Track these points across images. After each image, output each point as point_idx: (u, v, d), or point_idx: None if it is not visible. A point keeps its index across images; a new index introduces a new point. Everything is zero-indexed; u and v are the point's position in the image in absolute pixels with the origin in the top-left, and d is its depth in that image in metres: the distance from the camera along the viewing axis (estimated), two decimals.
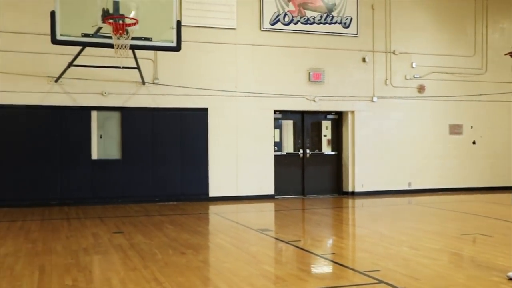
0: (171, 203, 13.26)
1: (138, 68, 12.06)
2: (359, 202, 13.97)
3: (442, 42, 15.96)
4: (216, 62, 13.97)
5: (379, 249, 7.56)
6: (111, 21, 9.46)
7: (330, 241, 8.51)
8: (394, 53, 15.46)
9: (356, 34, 15.11)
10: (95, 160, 13.11)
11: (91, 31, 9.78)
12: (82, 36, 9.74)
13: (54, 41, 9.57)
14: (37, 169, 12.59)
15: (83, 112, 13.00)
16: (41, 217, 10.89)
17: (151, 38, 10.11)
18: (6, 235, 8.81)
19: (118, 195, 13.18)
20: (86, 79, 12.83)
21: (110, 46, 9.75)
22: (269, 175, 14.36)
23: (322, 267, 6.73)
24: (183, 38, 13.32)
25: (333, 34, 14.93)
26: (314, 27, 14.76)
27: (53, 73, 12.51)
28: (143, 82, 13.17)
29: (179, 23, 10.23)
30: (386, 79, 15.40)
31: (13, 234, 8.88)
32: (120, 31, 9.51)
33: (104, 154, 13.23)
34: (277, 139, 14.99)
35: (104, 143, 13.25)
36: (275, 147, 14.75)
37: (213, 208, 12.53)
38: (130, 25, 9.65)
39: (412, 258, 6.92)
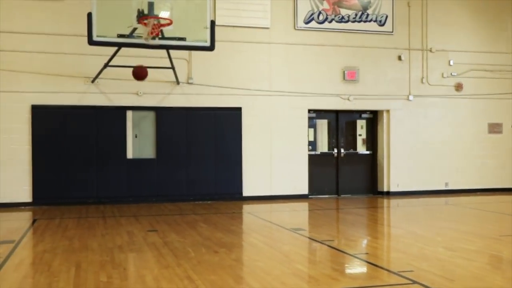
0: (205, 202, 13.34)
1: (172, 68, 12.16)
2: (394, 202, 13.79)
3: (481, 39, 15.64)
4: (250, 62, 13.99)
5: (413, 250, 7.44)
6: (146, 21, 9.55)
7: (364, 241, 8.42)
8: (430, 50, 15.20)
9: (392, 32, 14.92)
10: (130, 160, 13.28)
11: (127, 32, 9.90)
12: (118, 36, 9.85)
13: (91, 42, 9.71)
14: (74, 168, 12.82)
15: (119, 112, 13.17)
16: (78, 215, 11.08)
17: (185, 38, 10.15)
18: (45, 232, 9.00)
19: (153, 194, 13.32)
20: (121, 79, 13.00)
21: (145, 46, 9.86)
22: (303, 175, 14.31)
23: (355, 267, 6.66)
24: (217, 37, 13.41)
25: (368, 32, 14.78)
26: (349, 25, 14.63)
27: (90, 73, 12.72)
28: (178, 82, 13.27)
29: (213, 23, 10.26)
30: (422, 77, 15.17)
31: (51, 232, 9.06)
32: (155, 32, 9.60)
33: (139, 154, 13.39)
34: (312, 139, 14.92)
35: (139, 143, 13.40)
36: (309, 147, 14.68)
37: (247, 208, 12.55)
38: (164, 25, 9.74)
39: (447, 259, 6.79)
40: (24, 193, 12.58)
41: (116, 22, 9.90)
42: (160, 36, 9.70)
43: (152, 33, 9.54)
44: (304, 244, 8.02)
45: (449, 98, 15.38)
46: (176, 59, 12.83)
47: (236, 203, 13.26)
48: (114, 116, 13.15)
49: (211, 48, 10.36)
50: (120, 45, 10.16)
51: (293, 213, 12.16)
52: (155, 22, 9.60)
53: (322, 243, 7.92)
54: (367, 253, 7.30)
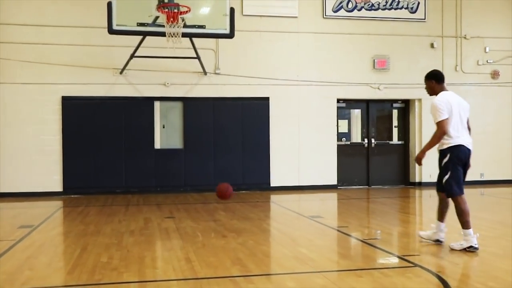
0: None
1: (198, 58, 12.17)
2: (425, 192, 13.43)
3: None
4: (278, 51, 13.88)
5: None
6: (165, 9, 9.60)
7: (378, 228, 8.22)
8: (465, 37, 14.74)
9: (424, 19, 14.53)
10: (158, 150, 13.40)
11: (147, 21, 9.98)
12: (138, 25, 9.95)
13: (111, 31, 9.84)
14: (103, 159, 13.03)
15: (147, 103, 13.32)
16: (103, 203, 11.26)
17: (204, 25, 10.16)
18: (65, 219, 9.21)
19: (180, 183, 13.41)
20: (149, 70, 13.13)
21: (165, 35, 9.90)
22: (332, 165, 14.12)
23: (359, 251, 6.52)
24: (244, 27, 13.55)
25: (399, 19, 14.43)
26: (379, 13, 14.33)
27: (119, 65, 12.88)
28: (205, 72, 13.30)
29: (232, 10, 10.20)
30: (456, 65, 14.72)
31: (71, 218, 9.25)
32: (173, 19, 9.64)
33: (166, 144, 13.50)
34: (346, 130, 14.73)
35: (166, 133, 13.52)
36: (343, 138, 14.49)
37: (273, 197, 12.47)
38: (183, 13, 9.76)
39: None
40: (55, 183, 12.87)
41: (136, 11, 10.00)
42: (179, 24, 9.72)
43: (171, 20, 9.59)
44: (317, 230, 7.90)
45: (485, 86, 14.88)
46: (203, 50, 12.91)
47: (263, 193, 13.20)
48: (142, 107, 13.30)
49: (230, 35, 10.31)
50: (139, 34, 10.27)
51: (317, 202, 12.02)
52: (175, 10, 9.66)
53: (335, 229, 7.80)
54: (376, 238, 7.13)
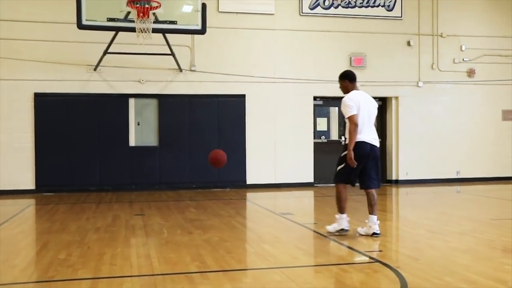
0: (206, 190, 13.22)
1: (172, 54, 12.08)
2: (401, 190, 13.44)
3: (494, 23, 15.09)
4: (254, 48, 13.82)
5: (394, 232, 7.23)
6: (136, 5, 9.50)
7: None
8: (441, 35, 14.77)
9: (401, 16, 14.54)
10: (133, 147, 13.28)
11: (118, 16, 9.88)
12: (108, 21, 9.85)
13: (80, 26, 9.74)
14: (77, 156, 12.87)
15: (121, 100, 13.18)
16: (75, 201, 11.10)
17: (176, 21, 10.10)
18: (32, 216, 9.06)
19: (156, 181, 13.30)
20: (124, 67, 13.00)
21: (135, 30, 9.80)
22: (308, 163, 14.08)
23: (322, 247, 6.46)
24: (220, 24, 13.49)
25: (376, 17, 14.43)
26: (356, 11, 14.32)
27: (93, 61, 12.71)
28: (180, 69, 13.20)
29: (204, 5, 10.14)
30: (433, 63, 14.75)
31: (39, 215, 9.12)
32: (143, 15, 9.54)
33: (141, 141, 13.38)
34: (325, 128, 14.70)
35: (141, 130, 13.40)
36: (323, 136, 14.47)
37: (248, 195, 12.39)
38: (154, 8, 9.67)
39: (424, 240, 6.56)
40: (27, 180, 12.70)
41: (107, 6, 9.91)
42: (150, 20, 9.62)
43: (141, 16, 9.49)
44: (284, 226, 7.83)
45: (461, 84, 14.92)
46: (178, 46, 12.82)
47: (238, 191, 13.11)
48: (116, 104, 13.17)
49: (202, 31, 10.25)
50: (110, 29, 10.18)
51: (292, 199, 11.97)
52: (146, 6, 9.57)
53: (303, 226, 7.74)
54: (342, 235, 7.07)
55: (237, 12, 13.72)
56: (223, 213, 9.15)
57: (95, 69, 12.88)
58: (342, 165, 6.76)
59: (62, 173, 12.81)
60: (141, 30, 9.63)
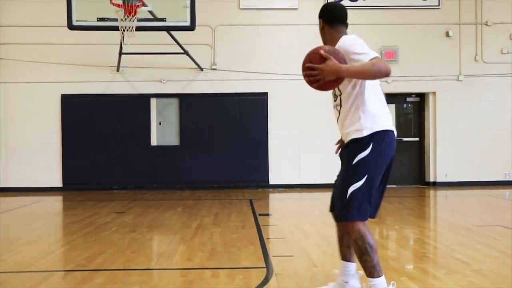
0: (228, 190, 13.00)
1: (186, 52, 12.01)
2: (440, 193, 12.38)
3: None
4: (277, 45, 13.45)
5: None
6: (120, 3, 9.52)
7: (306, 227, 7.50)
8: (486, 24, 13.52)
9: (438, 5, 13.49)
10: (154, 146, 13.40)
11: (108, 15, 9.96)
12: (98, 20, 9.96)
13: (71, 27, 9.89)
14: (100, 155, 13.22)
15: (143, 100, 13.36)
16: (84, 198, 11.38)
17: (165, 18, 10.00)
18: (60, 212, 9.40)
19: (177, 180, 13.32)
20: (145, 67, 13.18)
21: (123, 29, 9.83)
22: (334, 163, 13.39)
23: (243, 249, 6.00)
24: (241, 21, 13.31)
25: (409, 7, 13.51)
26: (386, 1, 13.49)
27: (115, 63, 12.98)
28: (201, 68, 13.14)
29: (193, 1, 9.95)
30: (476, 55, 13.53)
31: (67, 211, 9.42)
32: (129, 13, 9.54)
33: (163, 141, 13.47)
34: None
35: (163, 130, 13.48)
36: None
37: (263, 195, 12.00)
38: (140, 6, 9.64)
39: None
40: (55, 179, 13.23)
41: (97, 6, 10.02)
42: (134, 18, 9.61)
43: (127, 14, 9.50)
44: (247, 228, 7.38)
45: (509, 78, 13.56)
46: (199, 45, 12.85)
47: (255, 192, 12.74)
48: (138, 104, 13.36)
49: (191, 27, 10.02)
50: (100, 29, 10.25)
51: (297, 201, 11.45)
52: (132, 4, 9.56)
53: (264, 227, 7.38)
54: (282, 238, 6.61)
55: (259, 8, 13.42)
56: (200, 213, 8.89)
57: (117, 70, 13.15)
58: (359, 182, 3.73)
59: (87, 171, 13.20)
60: (125, 29, 9.63)
